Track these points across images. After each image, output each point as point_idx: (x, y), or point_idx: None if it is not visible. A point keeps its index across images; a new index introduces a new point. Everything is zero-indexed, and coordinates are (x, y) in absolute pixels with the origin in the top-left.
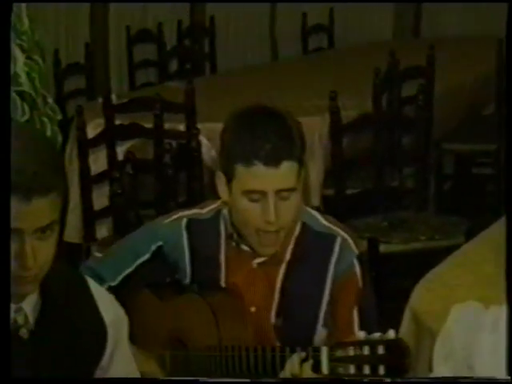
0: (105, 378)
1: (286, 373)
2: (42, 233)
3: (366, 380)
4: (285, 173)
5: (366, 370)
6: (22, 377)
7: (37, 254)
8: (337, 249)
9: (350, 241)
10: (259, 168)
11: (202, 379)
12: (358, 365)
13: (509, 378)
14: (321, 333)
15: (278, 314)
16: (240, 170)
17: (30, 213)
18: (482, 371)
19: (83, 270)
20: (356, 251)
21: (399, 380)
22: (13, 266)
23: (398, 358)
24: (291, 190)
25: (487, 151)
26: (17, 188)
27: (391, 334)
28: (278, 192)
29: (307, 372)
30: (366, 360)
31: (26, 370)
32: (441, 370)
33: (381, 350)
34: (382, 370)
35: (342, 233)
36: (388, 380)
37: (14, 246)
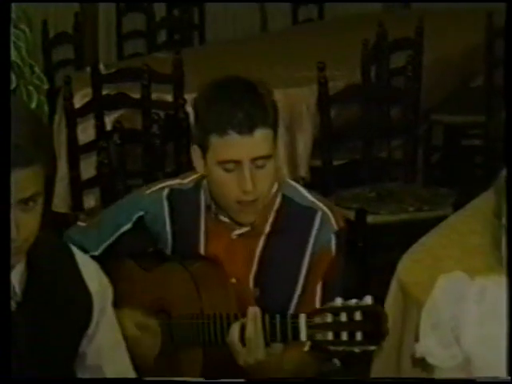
0: (105, 378)
1: (234, 337)
2: (24, 204)
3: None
4: (259, 140)
5: (344, 336)
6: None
7: (20, 226)
8: (317, 223)
9: (331, 216)
10: (233, 137)
11: (197, 380)
12: (336, 331)
13: (509, 378)
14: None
15: (255, 285)
16: (214, 140)
17: (12, 185)
18: (468, 342)
19: (66, 239)
20: (335, 227)
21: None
22: None
23: (374, 323)
24: (266, 157)
25: (476, 123)
26: None
27: (368, 300)
28: (254, 160)
29: (258, 335)
30: (343, 326)
31: (13, 343)
32: (427, 341)
33: (358, 316)
34: (359, 336)
35: (324, 207)
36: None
37: None
